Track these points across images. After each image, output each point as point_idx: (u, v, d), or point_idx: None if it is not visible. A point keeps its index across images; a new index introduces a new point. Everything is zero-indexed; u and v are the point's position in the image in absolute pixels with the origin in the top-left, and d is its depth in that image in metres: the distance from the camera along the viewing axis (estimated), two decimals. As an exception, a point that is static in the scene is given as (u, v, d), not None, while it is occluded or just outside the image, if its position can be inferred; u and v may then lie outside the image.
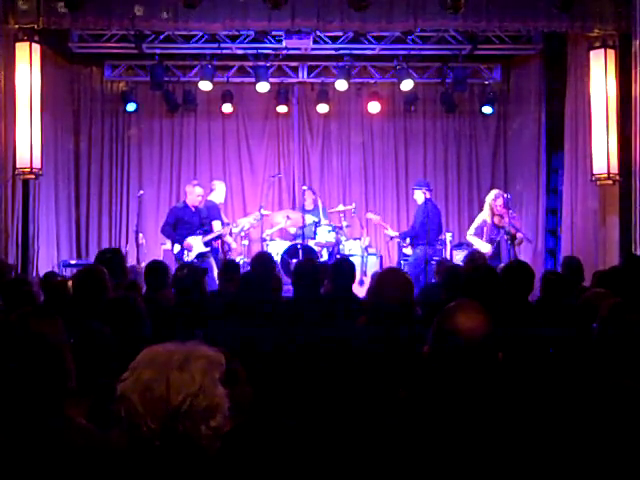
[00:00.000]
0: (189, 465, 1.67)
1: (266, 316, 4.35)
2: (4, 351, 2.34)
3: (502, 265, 7.88)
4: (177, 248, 9.49)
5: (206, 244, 9.51)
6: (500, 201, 9.18)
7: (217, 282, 8.52)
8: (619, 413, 2.39)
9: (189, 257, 9.29)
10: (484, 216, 9.36)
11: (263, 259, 6.28)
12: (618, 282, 4.62)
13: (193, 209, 9.64)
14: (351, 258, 9.50)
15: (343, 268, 5.29)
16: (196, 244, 9.44)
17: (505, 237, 9.04)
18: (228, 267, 6.45)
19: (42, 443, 2.09)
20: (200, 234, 9.50)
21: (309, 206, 10.97)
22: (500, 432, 2.14)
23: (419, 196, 9.93)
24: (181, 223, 9.55)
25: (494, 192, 9.50)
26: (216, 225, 9.76)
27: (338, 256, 9.82)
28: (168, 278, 5.58)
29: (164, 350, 1.68)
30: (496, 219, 9.18)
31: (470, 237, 9.53)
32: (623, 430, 2.36)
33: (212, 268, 9.03)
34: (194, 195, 9.65)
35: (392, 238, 10.55)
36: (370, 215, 10.62)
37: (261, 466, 2.29)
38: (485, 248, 9.03)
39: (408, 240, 9.82)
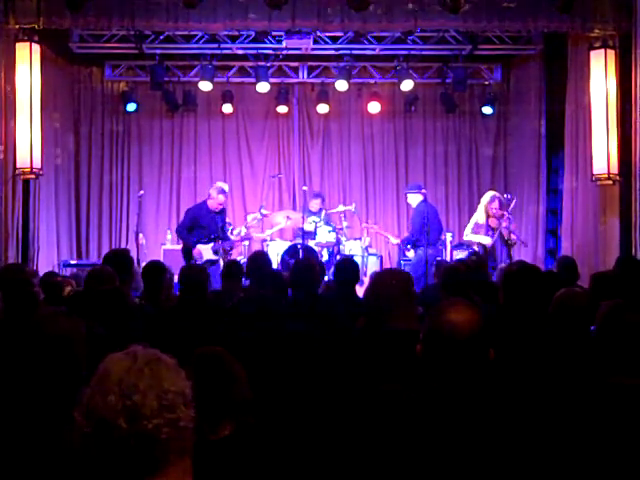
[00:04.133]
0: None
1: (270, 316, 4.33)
2: (25, 348, 2.36)
3: (502, 265, 7.95)
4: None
5: (215, 252, 9.32)
6: (496, 204, 9.24)
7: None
8: (608, 410, 2.40)
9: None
10: (477, 217, 9.42)
11: (259, 260, 6.22)
12: (615, 284, 4.63)
13: (212, 213, 9.28)
14: (351, 258, 9.54)
15: (346, 268, 5.29)
16: (205, 252, 9.26)
17: (499, 239, 9.12)
18: (230, 268, 6.41)
19: (48, 441, 2.10)
20: (209, 242, 9.28)
21: (314, 208, 10.88)
22: (492, 429, 2.15)
23: (413, 199, 9.91)
24: (197, 227, 9.21)
25: (490, 194, 9.53)
26: None
27: (339, 256, 9.83)
28: (166, 279, 5.57)
29: (120, 364, 1.64)
30: (491, 221, 9.23)
31: (467, 237, 9.58)
32: (613, 426, 2.38)
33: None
34: (215, 202, 9.26)
35: (399, 245, 10.49)
36: (369, 225, 10.56)
37: (260, 464, 2.29)
38: (486, 240, 9.14)
39: (409, 246, 9.82)
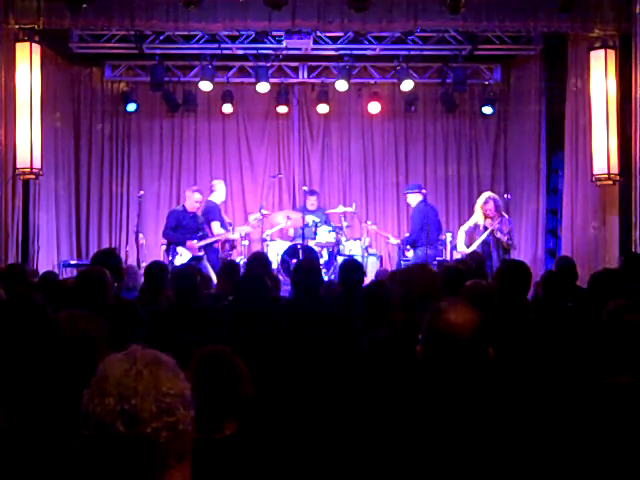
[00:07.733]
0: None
1: (264, 317, 4.33)
2: (43, 349, 2.36)
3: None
4: (164, 248, 9.52)
5: (200, 249, 9.46)
6: (491, 204, 9.25)
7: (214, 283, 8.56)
8: (608, 409, 2.40)
9: (181, 260, 9.24)
10: (476, 219, 9.44)
11: (258, 259, 6.23)
12: (615, 282, 4.62)
13: (191, 214, 9.61)
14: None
15: (351, 269, 5.28)
16: (192, 248, 9.42)
17: (493, 242, 9.16)
18: (227, 268, 6.41)
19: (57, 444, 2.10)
20: (195, 239, 9.46)
21: (311, 207, 10.95)
22: (491, 428, 2.14)
23: (413, 199, 9.92)
24: (180, 227, 9.53)
25: (485, 195, 9.54)
26: (215, 227, 9.75)
27: (339, 257, 9.82)
28: (167, 279, 5.56)
29: (120, 366, 1.65)
30: (487, 222, 9.25)
31: (460, 233, 9.65)
32: (607, 425, 2.38)
33: (206, 270, 8.99)
34: (192, 201, 9.62)
35: (398, 245, 10.51)
36: (367, 225, 10.56)
37: (264, 462, 2.29)
38: (462, 248, 9.37)
39: (409, 246, 9.82)
